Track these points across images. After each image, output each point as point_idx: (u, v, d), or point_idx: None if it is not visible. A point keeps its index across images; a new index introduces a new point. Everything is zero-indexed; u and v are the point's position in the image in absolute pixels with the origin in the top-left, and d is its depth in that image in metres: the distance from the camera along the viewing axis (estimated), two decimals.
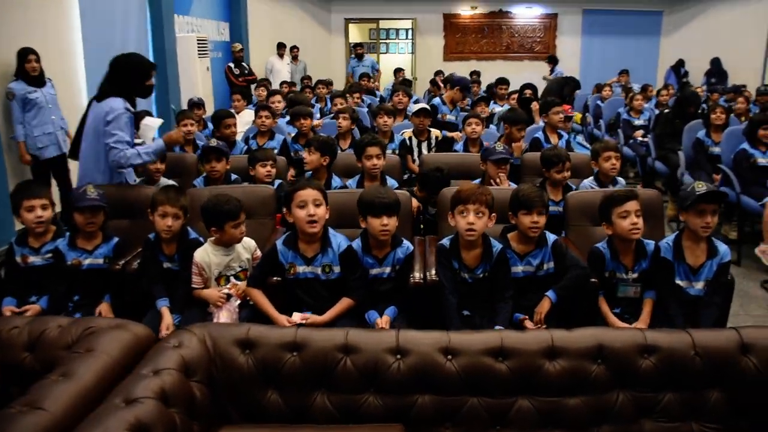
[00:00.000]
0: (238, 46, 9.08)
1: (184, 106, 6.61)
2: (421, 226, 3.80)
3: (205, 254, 2.76)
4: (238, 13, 9.92)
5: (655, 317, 2.67)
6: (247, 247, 2.87)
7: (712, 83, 10.95)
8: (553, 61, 11.56)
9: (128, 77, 3.35)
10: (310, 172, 3.87)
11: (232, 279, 2.77)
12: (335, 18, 13.19)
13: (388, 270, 2.74)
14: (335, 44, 12.31)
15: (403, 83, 8.42)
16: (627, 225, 2.64)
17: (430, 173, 3.67)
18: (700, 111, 6.39)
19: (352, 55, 11.72)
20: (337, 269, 2.65)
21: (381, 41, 14.63)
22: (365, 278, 2.70)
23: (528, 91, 6.70)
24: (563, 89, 8.01)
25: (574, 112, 6.87)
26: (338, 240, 2.70)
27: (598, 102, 8.80)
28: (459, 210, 2.63)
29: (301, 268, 2.64)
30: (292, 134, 5.08)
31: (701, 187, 2.57)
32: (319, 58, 12.32)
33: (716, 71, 11.64)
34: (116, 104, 3.26)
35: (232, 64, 8.93)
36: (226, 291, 2.71)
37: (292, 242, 2.68)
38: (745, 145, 4.91)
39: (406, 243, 2.80)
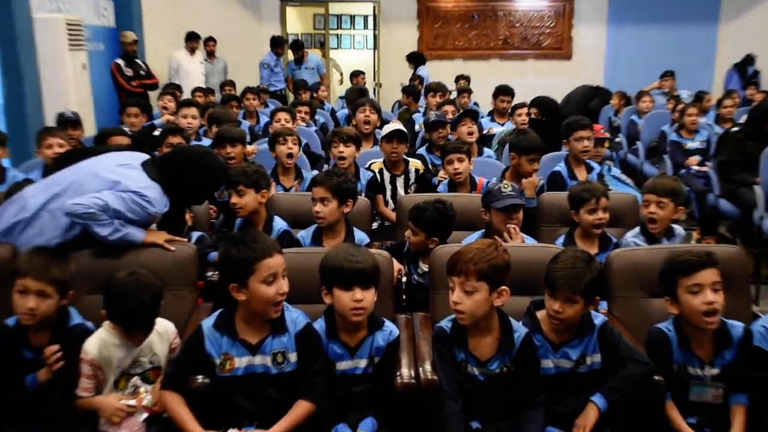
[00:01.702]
0: (129, 35, 9.06)
1: (50, 123, 6.51)
2: (404, 297, 3.81)
3: (103, 345, 2.71)
4: None
5: None
6: (164, 334, 2.84)
7: None
8: (415, 60, 11.58)
9: (185, 184, 3.43)
10: (240, 220, 3.93)
11: (137, 381, 2.73)
12: (267, 0, 13.33)
13: (363, 364, 2.76)
14: (267, 35, 12.32)
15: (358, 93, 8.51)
16: (699, 305, 2.66)
17: (428, 207, 3.70)
18: None
19: (290, 59, 11.80)
20: (293, 357, 2.67)
21: (331, 32, 14.80)
22: (328, 374, 2.71)
23: (534, 111, 6.81)
24: (590, 102, 8.16)
25: (606, 134, 6.98)
26: (293, 316, 2.73)
27: (634, 117, 9.04)
28: (449, 283, 2.69)
29: (243, 361, 2.64)
30: None
31: None
32: (245, 54, 12.34)
33: None
34: (152, 193, 3.26)
35: (121, 61, 8.90)
36: (127, 401, 2.66)
37: (227, 323, 2.67)
38: None
39: (388, 325, 2.83)
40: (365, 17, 14.41)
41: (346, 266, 2.65)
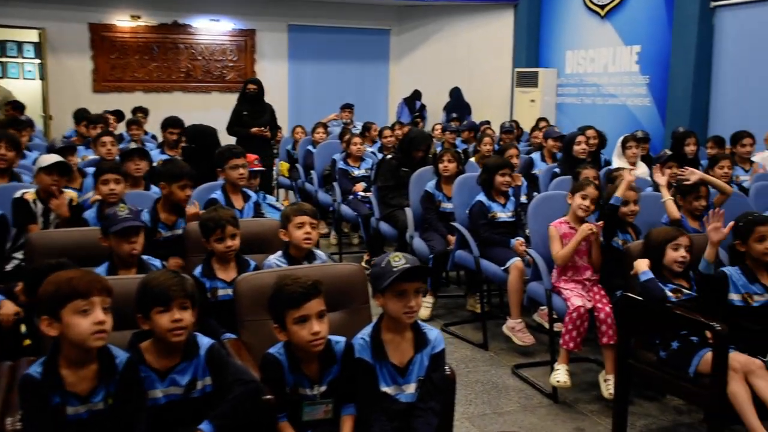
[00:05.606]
0: None
1: None
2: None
3: None
4: None
5: None
6: None
7: (452, 119, 12.21)
8: None
9: None
10: None
11: None
12: None
13: None
14: None
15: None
16: (306, 335, 2.69)
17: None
18: (431, 155, 7.02)
19: None
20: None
21: None
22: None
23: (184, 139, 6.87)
24: None
25: (260, 165, 7.01)
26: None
27: (309, 147, 9.23)
28: None
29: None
30: None
31: (398, 260, 2.74)
32: None
33: (457, 105, 13.12)
34: None
35: None
36: None
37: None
38: (482, 197, 5.47)
39: None
40: (34, 45, 13.55)
41: None
